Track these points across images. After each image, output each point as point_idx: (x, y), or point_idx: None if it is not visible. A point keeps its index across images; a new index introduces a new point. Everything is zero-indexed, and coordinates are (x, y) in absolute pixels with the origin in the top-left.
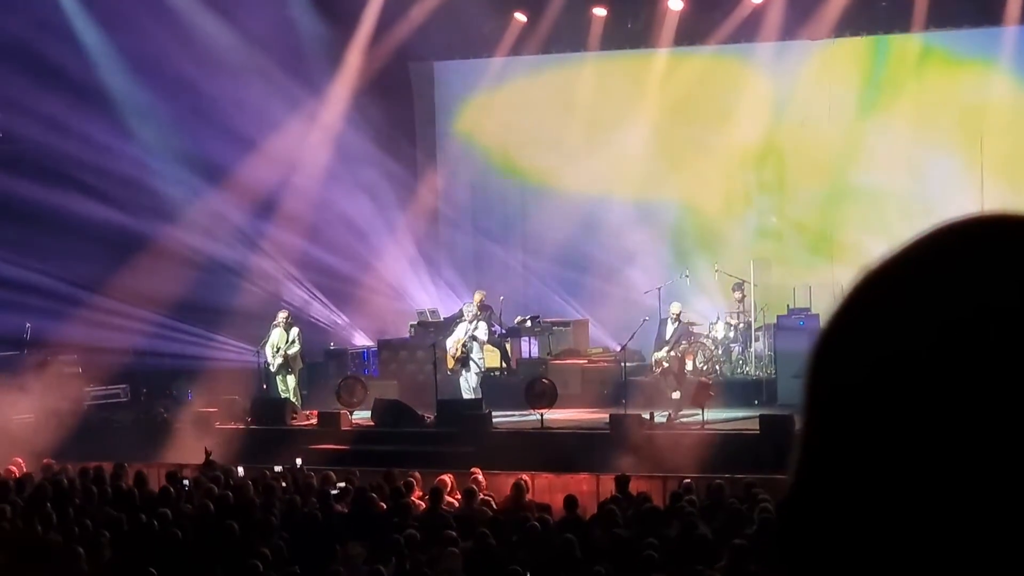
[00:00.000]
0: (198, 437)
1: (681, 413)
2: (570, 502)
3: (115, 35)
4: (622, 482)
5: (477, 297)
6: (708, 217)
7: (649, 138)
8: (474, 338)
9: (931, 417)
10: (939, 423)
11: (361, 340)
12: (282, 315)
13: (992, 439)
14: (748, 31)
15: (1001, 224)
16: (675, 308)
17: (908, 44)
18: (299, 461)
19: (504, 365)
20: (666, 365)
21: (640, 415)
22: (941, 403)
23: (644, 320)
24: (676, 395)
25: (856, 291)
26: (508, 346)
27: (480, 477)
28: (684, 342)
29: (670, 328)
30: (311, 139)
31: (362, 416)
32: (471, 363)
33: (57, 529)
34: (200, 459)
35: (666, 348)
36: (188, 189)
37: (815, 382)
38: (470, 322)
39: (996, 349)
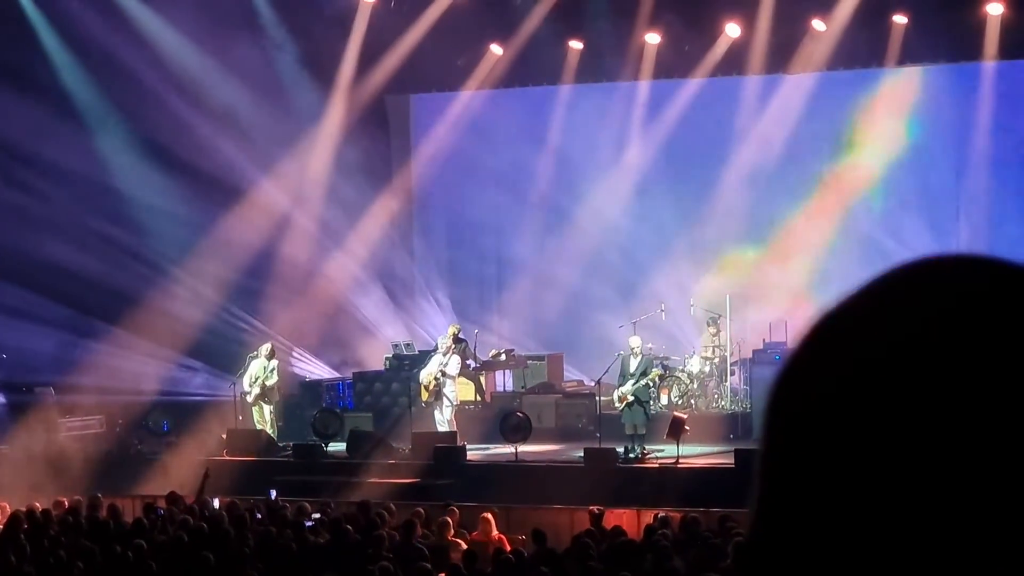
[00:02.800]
0: (174, 468)
1: (653, 447)
2: (538, 536)
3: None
4: (596, 516)
5: (451, 331)
6: (683, 250)
7: (626, 171)
8: (444, 373)
9: (880, 450)
10: (890, 455)
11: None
12: (265, 347)
13: (940, 475)
14: (727, 66)
15: (953, 266)
16: (635, 342)
17: (888, 81)
18: (273, 493)
19: (478, 398)
20: (631, 398)
21: (615, 449)
22: (891, 437)
23: (619, 354)
24: (643, 430)
25: (813, 330)
26: (483, 379)
27: (454, 509)
28: (655, 373)
29: (633, 362)
30: (294, 178)
31: (337, 448)
32: (444, 397)
33: (31, 561)
34: (178, 489)
35: (631, 382)
36: (173, 243)
37: (773, 417)
38: (443, 355)
39: (942, 384)
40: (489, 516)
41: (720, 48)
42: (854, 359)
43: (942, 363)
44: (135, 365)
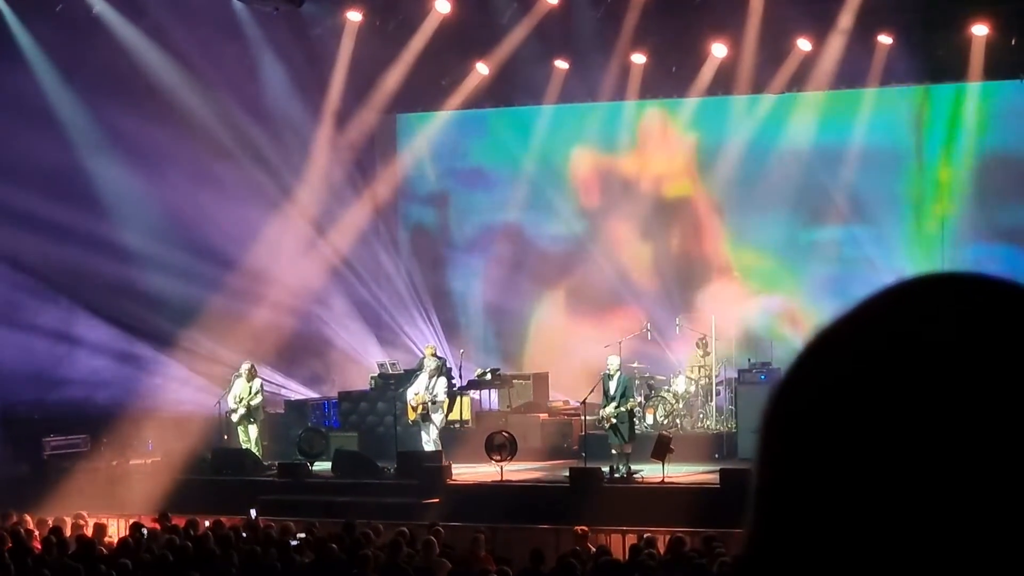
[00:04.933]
0: (159, 487)
1: (638, 467)
2: (535, 555)
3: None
4: (581, 536)
5: (428, 351)
6: (670, 270)
7: (611, 190)
8: (435, 400)
9: (879, 464)
10: (889, 469)
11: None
12: (245, 366)
13: (938, 487)
14: (714, 85)
15: (947, 283)
16: (612, 362)
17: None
18: (254, 512)
19: (463, 417)
20: (614, 420)
21: (600, 468)
22: (887, 451)
23: (603, 375)
24: (628, 448)
25: (809, 346)
26: (468, 399)
27: (440, 529)
28: (639, 396)
29: (611, 384)
30: (281, 196)
31: (323, 467)
32: (431, 418)
33: None
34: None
35: (612, 405)
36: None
37: (769, 433)
38: (430, 376)
39: (939, 400)
40: (481, 536)
41: (707, 68)
42: (850, 375)
43: (939, 378)
44: (123, 380)
